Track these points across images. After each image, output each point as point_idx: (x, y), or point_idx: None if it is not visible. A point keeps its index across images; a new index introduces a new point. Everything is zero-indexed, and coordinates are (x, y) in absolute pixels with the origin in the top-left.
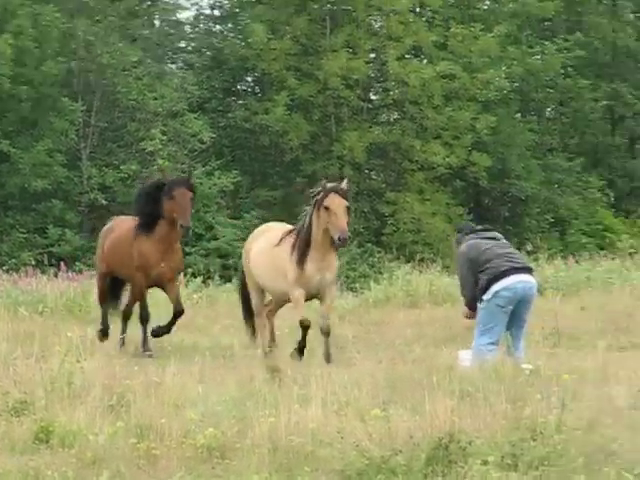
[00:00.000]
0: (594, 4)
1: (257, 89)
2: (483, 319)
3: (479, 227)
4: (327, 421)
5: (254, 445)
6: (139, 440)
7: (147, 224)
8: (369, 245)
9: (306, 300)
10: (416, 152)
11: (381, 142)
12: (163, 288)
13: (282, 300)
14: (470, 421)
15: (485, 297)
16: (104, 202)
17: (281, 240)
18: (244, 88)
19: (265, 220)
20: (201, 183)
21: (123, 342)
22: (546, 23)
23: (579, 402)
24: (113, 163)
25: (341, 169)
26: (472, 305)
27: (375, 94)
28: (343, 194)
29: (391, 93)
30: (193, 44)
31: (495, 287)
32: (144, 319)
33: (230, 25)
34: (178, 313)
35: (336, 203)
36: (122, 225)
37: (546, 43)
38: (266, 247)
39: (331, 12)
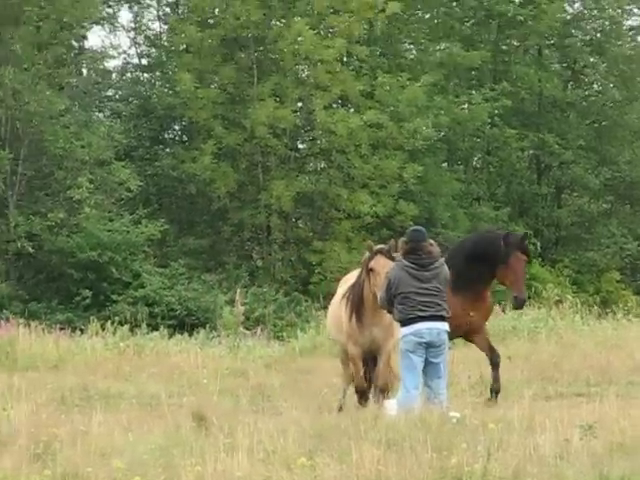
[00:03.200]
0: (520, 54)
1: (184, 137)
2: (401, 363)
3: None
4: (253, 470)
5: None
6: None
7: (465, 287)
8: (296, 294)
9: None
10: (343, 201)
11: (308, 191)
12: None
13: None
14: (396, 470)
15: (399, 337)
16: (31, 250)
17: (344, 296)
18: (171, 136)
19: (192, 269)
20: (128, 232)
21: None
22: (473, 72)
23: (505, 451)
24: (40, 211)
25: (268, 217)
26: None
27: (302, 143)
28: (389, 256)
29: (318, 142)
30: (120, 92)
31: (403, 330)
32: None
33: (158, 73)
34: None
35: (380, 264)
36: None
37: (473, 92)
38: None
39: (258, 61)
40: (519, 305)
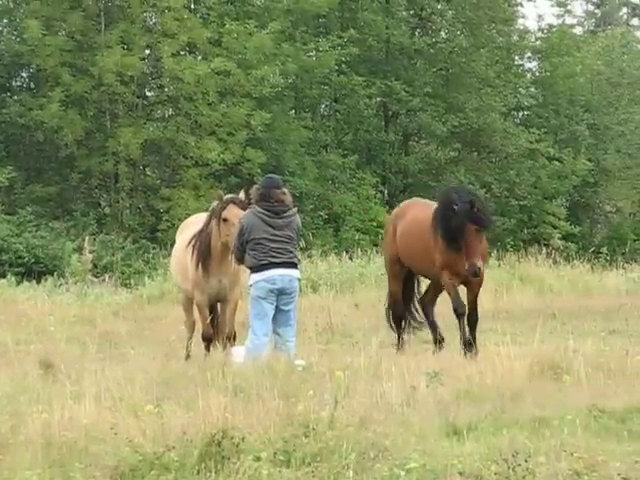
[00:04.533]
0: (368, 1)
1: (32, 85)
2: (251, 310)
3: (272, 189)
4: (100, 417)
5: (27, 441)
6: None
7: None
8: (144, 241)
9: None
10: (191, 148)
11: (156, 138)
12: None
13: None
14: (243, 417)
15: (249, 284)
16: None
17: (189, 243)
18: (19, 84)
19: (40, 216)
20: None
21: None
22: (320, 20)
23: (352, 398)
24: None
25: (116, 165)
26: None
27: (150, 90)
28: (241, 205)
29: (166, 90)
30: None
31: (255, 277)
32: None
33: (5, 20)
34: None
35: (234, 214)
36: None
37: (320, 40)
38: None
39: (106, 8)
40: (471, 274)
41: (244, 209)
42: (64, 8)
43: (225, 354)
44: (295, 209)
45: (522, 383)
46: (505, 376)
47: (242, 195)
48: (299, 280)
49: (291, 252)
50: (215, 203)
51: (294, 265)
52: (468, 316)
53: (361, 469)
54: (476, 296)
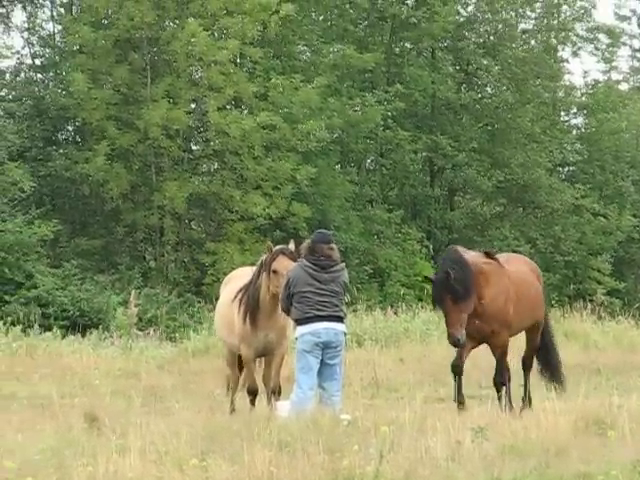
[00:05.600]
0: (414, 56)
1: (78, 138)
2: (296, 363)
3: (319, 244)
4: (145, 471)
5: None
6: None
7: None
8: (189, 295)
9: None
10: (236, 202)
11: (201, 192)
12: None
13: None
14: (288, 472)
15: (294, 336)
16: None
17: (235, 297)
18: (65, 137)
19: (85, 269)
20: (21, 232)
21: None
22: (366, 75)
23: (397, 453)
24: None
25: (161, 219)
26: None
27: (196, 144)
28: (291, 257)
29: (211, 143)
30: (14, 93)
31: (300, 329)
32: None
33: (51, 74)
34: None
35: (284, 265)
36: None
37: (366, 94)
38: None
39: (152, 62)
40: (451, 344)
41: (294, 260)
42: (110, 62)
43: (270, 408)
44: (343, 264)
45: (567, 438)
46: (550, 431)
47: (292, 246)
48: (345, 334)
49: (337, 306)
50: (264, 256)
51: (340, 319)
52: (494, 377)
53: None
54: (499, 359)
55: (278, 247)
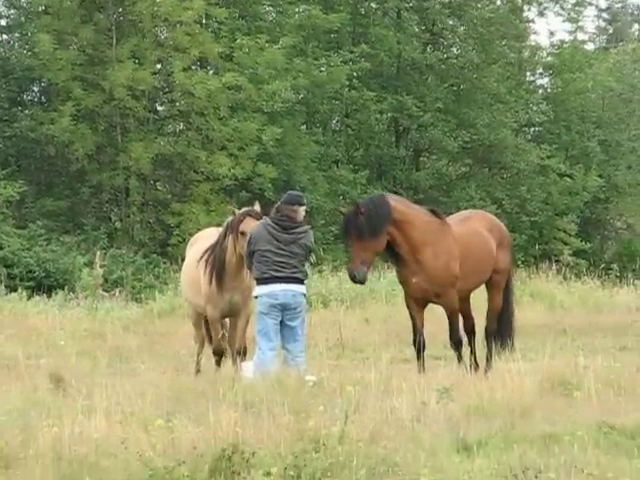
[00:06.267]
0: (380, 16)
1: (43, 99)
2: (256, 324)
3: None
4: (111, 431)
5: (38, 455)
6: None
7: None
8: (154, 256)
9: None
10: (201, 163)
11: (167, 153)
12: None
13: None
14: (254, 432)
15: (254, 295)
16: None
17: (201, 257)
18: (30, 98)
19: (50, 230)
20: None
21: None
22: (332, 35)
23: (362, 414)
24: None
25: (127, 179)
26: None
27: (161, 105)
28: (258, 217)
29: (177, 104)
30: None
31: (259, 290)
32: None
33: (17, 35)
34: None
35: (251, 226)
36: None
37: (331, 55)
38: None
39: (117, 22)
40: (349, 278)
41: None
42: (75, 22)
43: (235, 369)
44: (307, 227)
45: (532, 399)
46: (515, 392)
47: (257, 207)
48: (304, 295)
49: (295, 267)
50: (230, 217)
51: (299, 280)
52: (449, 338)
53: None
54: (450, 319)
55: (244, 209)
